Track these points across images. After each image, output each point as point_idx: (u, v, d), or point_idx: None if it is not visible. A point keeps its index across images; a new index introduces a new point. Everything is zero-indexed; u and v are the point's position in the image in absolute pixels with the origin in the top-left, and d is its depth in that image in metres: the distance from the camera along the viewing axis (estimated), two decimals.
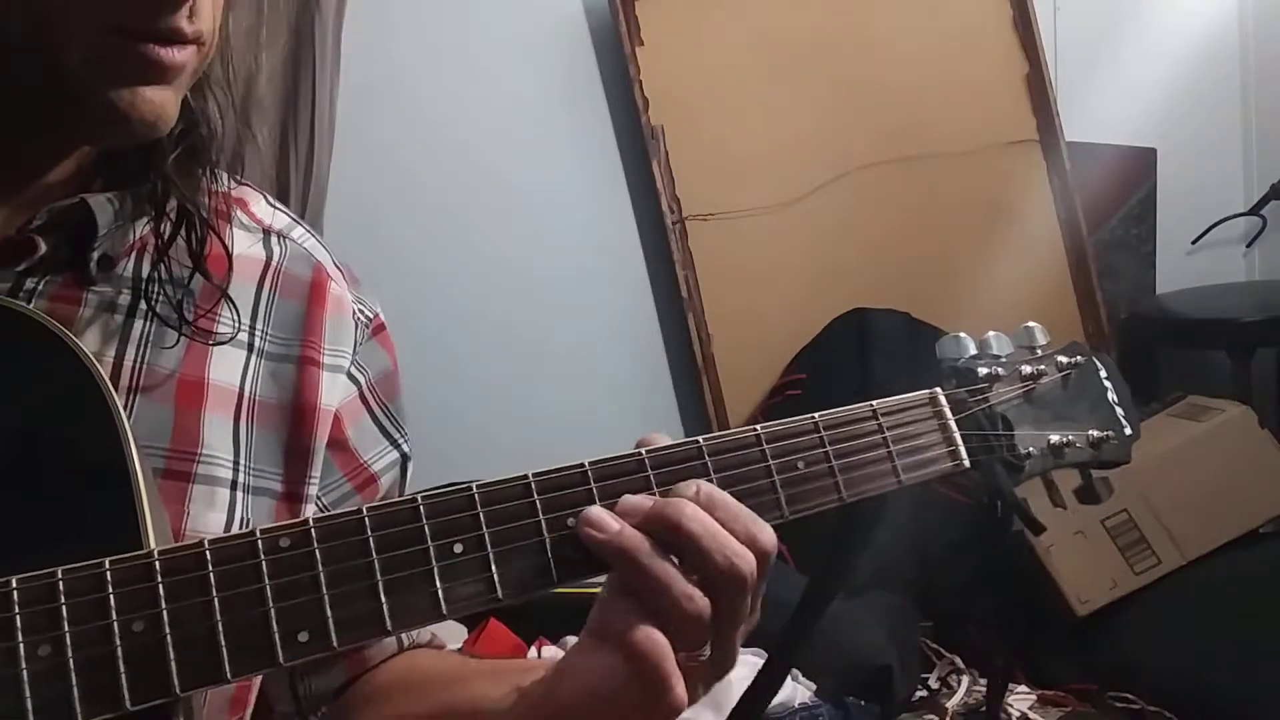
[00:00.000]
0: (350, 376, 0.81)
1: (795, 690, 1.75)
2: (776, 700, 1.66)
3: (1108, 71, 2.83)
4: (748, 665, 1.79)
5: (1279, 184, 2.85)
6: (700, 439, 0.64)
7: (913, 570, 2.18)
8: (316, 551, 0.54)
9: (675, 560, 0.60)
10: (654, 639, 0.59)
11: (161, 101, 0.62)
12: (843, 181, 2.64)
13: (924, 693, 1.99)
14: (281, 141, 2.17)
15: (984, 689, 1.97)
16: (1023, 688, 2.00)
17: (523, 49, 2.55)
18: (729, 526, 0.61)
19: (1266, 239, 2.95)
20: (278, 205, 0.84)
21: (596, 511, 0.61)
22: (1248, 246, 2.99)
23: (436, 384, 2.35)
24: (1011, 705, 1.95)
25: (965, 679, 2.01)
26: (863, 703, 1.83)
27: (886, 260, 2.64)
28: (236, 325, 0.74)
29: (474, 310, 2.53)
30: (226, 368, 0.74)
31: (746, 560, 0.60)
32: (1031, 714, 1.94)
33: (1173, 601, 2.07)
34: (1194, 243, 2.96)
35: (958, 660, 2.07)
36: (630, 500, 0.62)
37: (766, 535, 0.62)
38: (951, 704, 1.93)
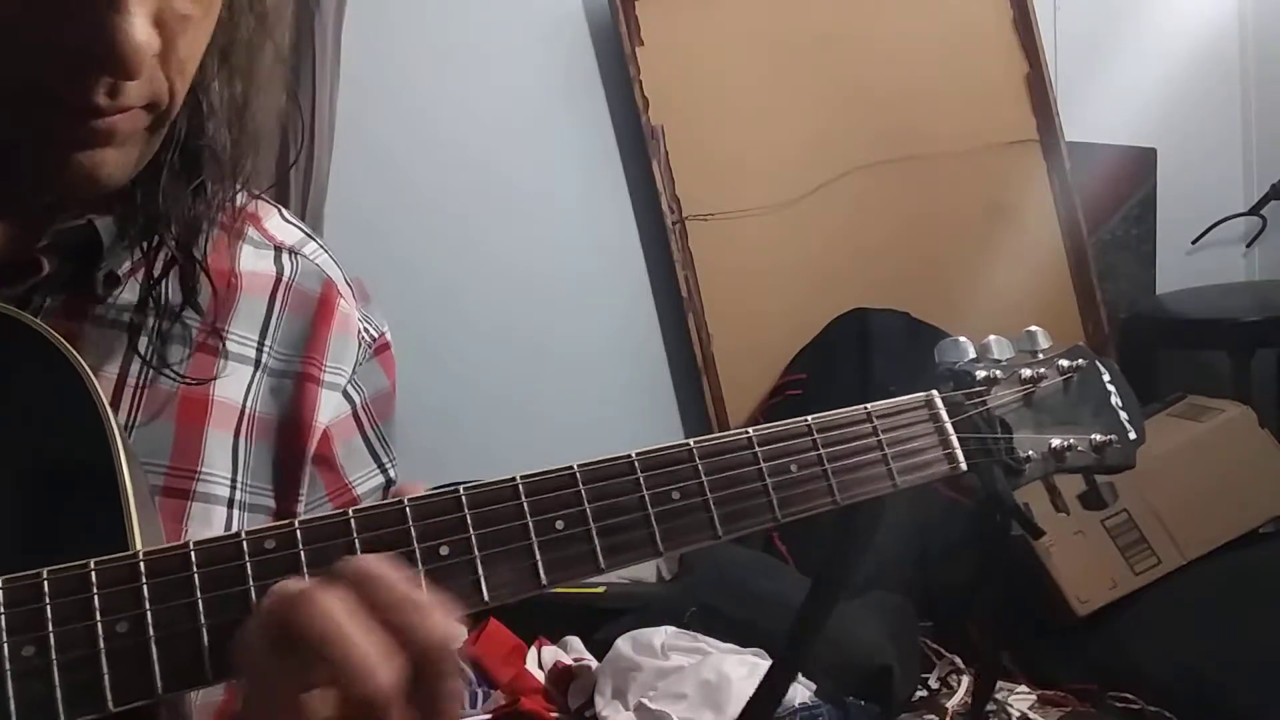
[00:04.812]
0: (345, 394, 0.80)
1: (795, 690, 1.75)
2: None
3: (1108, 71, 2.83)
4: (745, 664, 1.80)
5: (1279, 184, 2.85)
6: (691, 441, 0.63)
7: (913, 570, 2.18)
8: (302, 554, 0.54)
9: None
10: None
11: (95, 164, 0.59)
12: (842, 181, 2.64)
13: (924, 693, 1.99)
14: (282, 141, 2.17)
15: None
16: (1023, 688, 2.00)
17: (523, 49, 2.55)
18: (382, 618, 0.51)
19: (1266, 239, 2.94)
20: (291, 220, 0.83)
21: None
22: (1248, 246, 2.99)
23: (436, 384, 2.35)
24: (1011, 705, 1.95)
25: (965, 679, 2.01)
26: (863, 703, 1.83)
27: (886, 260, 2.64)
28: (224, 365, 0.73)
29: (474, 310, 2.53)
30: (232, 384, 0.73)
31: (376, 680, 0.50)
32: (1031, 714, 1.93)
33: (1173, 601, 2.07)
34: (1194, 243, 2.95)
35: (958, 660, 2.06)
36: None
37: (427, 634, 0.51)
38: (951, 704, 1.93)
